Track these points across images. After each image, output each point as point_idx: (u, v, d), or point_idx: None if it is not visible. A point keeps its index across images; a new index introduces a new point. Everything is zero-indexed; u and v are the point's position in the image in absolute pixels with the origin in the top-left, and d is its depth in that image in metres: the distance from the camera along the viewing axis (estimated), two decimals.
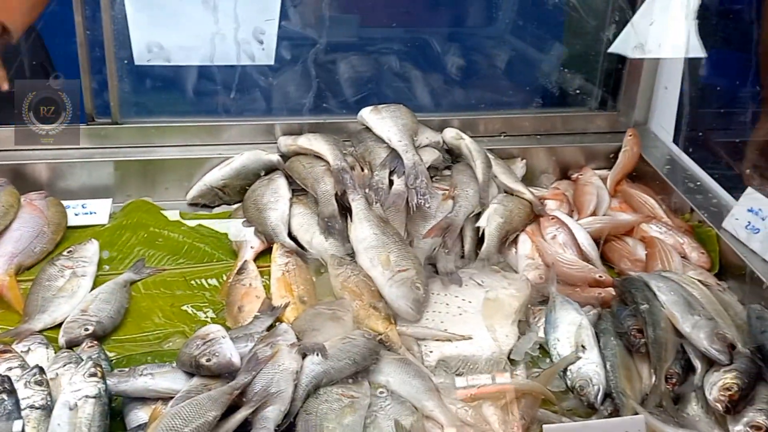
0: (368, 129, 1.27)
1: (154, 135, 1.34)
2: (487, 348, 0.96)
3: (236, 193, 1.30)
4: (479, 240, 1.17)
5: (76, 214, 1.23)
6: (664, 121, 1.43)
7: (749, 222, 1.12)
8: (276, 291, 1.05)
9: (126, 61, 1.28)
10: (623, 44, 1.19)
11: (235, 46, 1.21)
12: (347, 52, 1.47)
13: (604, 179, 1.37)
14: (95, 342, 0.94)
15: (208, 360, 0.84)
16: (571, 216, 1.27)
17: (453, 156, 1.32)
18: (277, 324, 0.97)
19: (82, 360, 0.88)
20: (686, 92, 1.27)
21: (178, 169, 1.32)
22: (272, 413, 0.78)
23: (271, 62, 1.29)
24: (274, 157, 1.31)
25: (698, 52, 1.10)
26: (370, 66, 1.48)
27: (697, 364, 0.92)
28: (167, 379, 0.85)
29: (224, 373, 0.84)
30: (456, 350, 0.96)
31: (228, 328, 0.94)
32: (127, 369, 0.87)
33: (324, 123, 1.36)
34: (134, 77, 1.33)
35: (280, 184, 1.25)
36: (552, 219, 1.22)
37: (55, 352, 0.93)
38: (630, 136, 1.42)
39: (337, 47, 1.44)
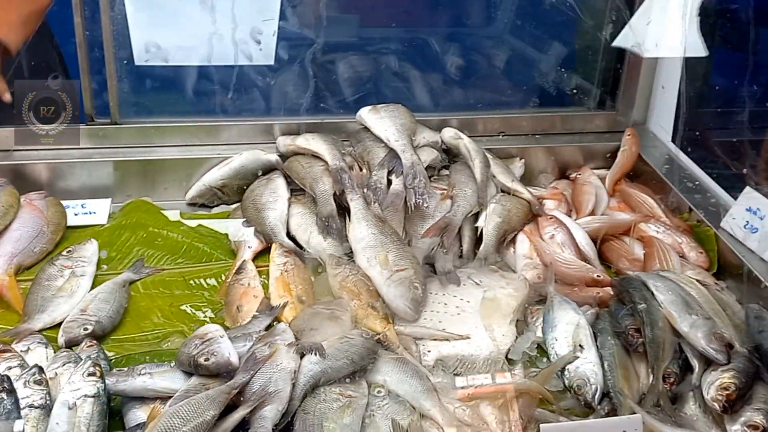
0: (367, 129, 1.28)
1: (153, 135, 1.35)
2: (485, 347, 0.97)
3: (235, 192, 1.31)
4: (477, 240, 1.17)
5: (76, 214, 1.24)
6: (662, 120, 1.43)
7: (747, 221, 1.12)
8: (274, 291, 1.05)
9: (125, 62, 1.29)
10: (623, 42, 1.19)
11: (232, 47, 1.21)
12: (346, 51, 1.47)
13: (602, 179, 1.38)
14: (94, 341, 0.94)
15: (207, 359, 0.84)
16: (570, 215, 1.27)
17: (451, 156, 1.32)
18: (275, 323, 0.97)
19: (81, 359, 0.88)
20: (685, 92, 1.27)
21: (177, 169, 1.33)
22: (270, 413, 0.78)
23: (271, 62, 1.29)
24: (273, 157, 1.31)
25: (699, 51, 1.10)
26: (369, 66, 1.49)
27: (695, 364, 0.92)
28: (166, 379, 0.86)
29: (222, 372, 0.84)
30: (454, 350, 0.96)
31: (226, 328, 0.94)
32: (125, 368, 0.87)
33: (322, 123, 1.36)
34: (134, 77, 1.33)
35: (279, 184, 1.25)
36: (550, 218, 1.23)
37: (55, 352, 0.93)
38: (628, 135, 1.42)
39: (335, 47, 1.45)
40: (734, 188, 1.20)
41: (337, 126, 1.35)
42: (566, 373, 0.92)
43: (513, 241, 1.20)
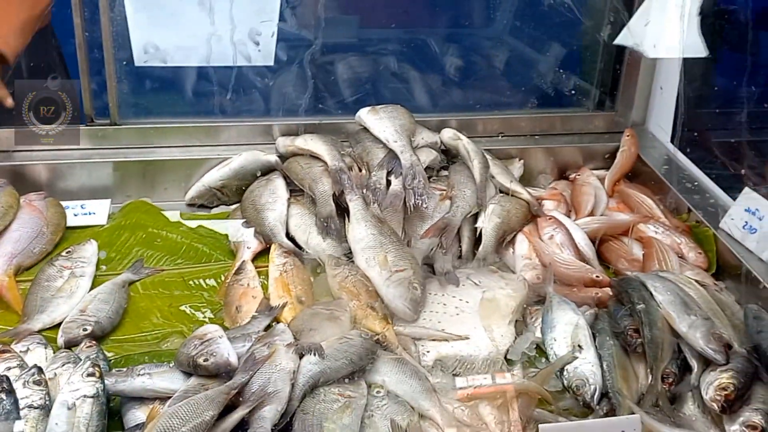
0: (366, 129, 1.28)
1: (153, 136, 1.35)
2: (484, 348, 0.97)
3: (234, 193, 1.31)
4: (476, 240, 1.17)
5: (75, 215, 1.24)
6: (661, 121, 1.43)
7: (746, 222, 1.13)
8: (274, 291, 1.05)
9: (125, 63, 1.29)
10: (623, 41, 1.19)
11: (231, 47, 1.21)
12: (345, 52, 1.47)
13: (601, 179, 1.38)
14: (93, 342, 0.94)
15: (206, 360, 0.84)
16: (569, 216, 1.27)
17: (451, 156, 1.33)
18: (274, 324, 0.97)
19: (81, 360, 0.88)
20: (684, 93, 1.27)
21: (176, 169, 1.33)
22: (269, 413, 0.78)
23: (270, 63, 1.30)
24: (272, 158, 1.31)
25: (699, 52, 1.10)
26: (368, 67, 1.49)
27: (694, 364, 0.92)
28: (165, 379, 0.86)
29: (222, 372, 0.84)
30: (453, 350, 0.97)
31: (226, 328, 0.95)
32: (124, 369, 0.87)
33: (322, 124, 1.37)
34: (133, 78, 1.33)
35: (278, 184, 1.25)
36: (549, 219, 1.23)
37: (54, 352, 0.93)
38: (628, 136, 1.42)
39: (335, 48, 1.45)
40: (733, 189, 1.20)
41: (337, 127, 1.36)
42: (565, 373, 0.93)
43: (512, 241, 1.20)
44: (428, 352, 0.97)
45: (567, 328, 0.98)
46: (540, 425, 0.77)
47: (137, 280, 1.10)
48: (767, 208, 1.09)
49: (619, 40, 1.21)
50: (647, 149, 1.42)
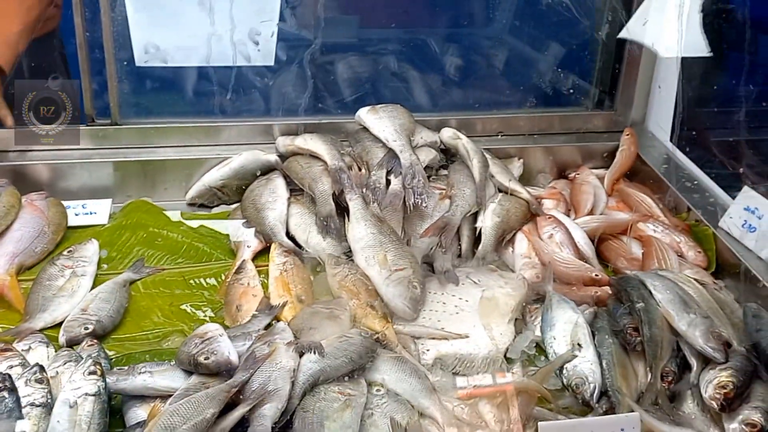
0: (366, 129, 1.28)
1: (153, 136, 1.35)
2: (483, 346, 0.97)
3: (235, 193, 1.31)
4: (476, 239, 1.18)
5: (77, 215, 1.24)
6: (661, 120, 1.43)
7: (745, 221, 1.13)
8: (274, 290, 1.06)
9: (125, 63, 1.29)
10: (626, 35, 1.18)
11: (231, 47, 1.22)
12: (345, 52, 1.48)
13: (601, 178, 1.38)
14: (95, 341, 0.95)
15: (207, 358, 0.85)
16: (568, 215, 1.27)
17: (450, 156, 1.33)
18: (274, 322, 0.98)
19: (82, 358, 0.89)
20: (683, 92, 1.27)
21: (177, 169, 1.33)
22: (270, 411, 0.78)
23: (270, 63, 1.30)
24: (272, 158, 1.32)
25: (701, 51, 1.10)
26: (368, 66, 1.49)
27: (693, 363, 0.92)
28: (166, 378, 0.86)
29: (222, 371, 0.85)
30: (453, 349, 0.97)
31: (226, 327, 0.95)
32: (126, 367, 0.88)
33: (321, 123, 1.37)
34: (134, 78, 1.34)
35: (278, 184, 1.26)
36: (549, 218, 1.23)
37: (56, 351, 0.94)
38: (627, 135, 1.42)
39: (334, 48, 1.45)
40: (732, 188, 1.20)
41: (336, 126, 1.36)
42: (565, 371, 0.93)
43: (511, 240, 1.20)
44: (428, 350, 0.97)
45: (566, 327, 0.98)
46: (539, 423, 0.77)
47: (138, 280, 1.11)
48: (766, 206, 1.09)
49: (627, 32, 1.19)
50: (646, 148, 1.42)
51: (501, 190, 1.26)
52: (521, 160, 1.40)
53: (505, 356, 0.97)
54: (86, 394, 0.81)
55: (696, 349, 0.92)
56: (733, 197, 1.18)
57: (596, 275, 1.11)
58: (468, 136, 1.30)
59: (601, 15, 1.42)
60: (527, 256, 1.17)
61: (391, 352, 0.94)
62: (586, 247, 1.18)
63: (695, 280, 1.05)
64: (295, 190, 1.25)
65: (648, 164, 1.38)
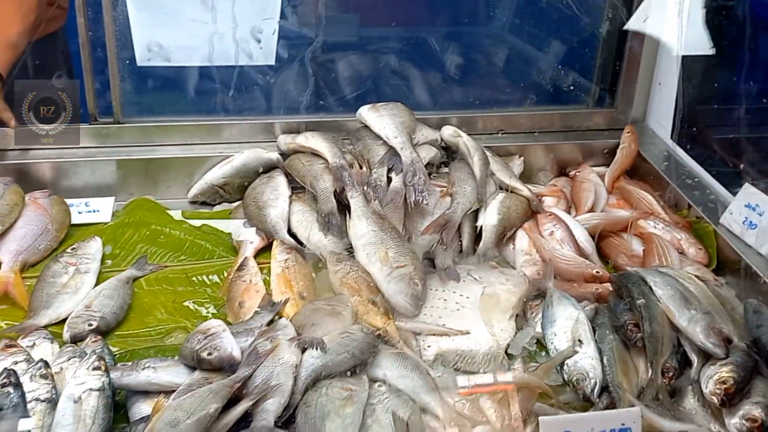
0: (366, 127, 1.28)
1: (155, 134, 1.36)
2: (484, 342, 0.97)
3: (236, 190, 1.32)
4: (477, 236, 1.18)
5: (80, 213, 1.25)
6: (661, 117, 1.44)
7: (746, 217, 1.13)
8: (276, 287, 1.06)
9: (128, 62, 1.30)
10: (632, 25, 1.18)
11: (233, 45, 1.22)
12: (346, 51, 1.48)
13: (601, 176, 1.38)
14: (99, 337, 0.95)
15: (210, 354, 0.85)
16: (569, 213, 1.27)
17: (451, 153, 1.33)
18: (276, 319, 0.98)
19: (86, 354, 0.89)
20: (683, 89, 1.27)
21: (179, 167, 1.34)
22: (272, 405, 0.79)
23: (271, 62, 1.30)
24: (274, 156, 1.32)
25: (705, 49, 1.10)
26: (369, 65, 1.49)
27: (694, 358, 0.92)
28: (169, 373, 0.87)
29: (225, 366, 0.85)
30: (454, 345, 0.97)
31: (229, 324, 0.95)
32: (129, 363, 0.88)
33: (323, 121, 1.37)
34: (136, 77, 1.34)
35: (280, 181, 1.26)
36: (549, 215, 1.23)
37: (60, 347, 0.94)
38: (628, 133, 1.43)
39: (335, 46, 1.45)
40: (733, 185, 1.21)
41: (337, 124, 1.36)
42: (565, 367, 0.93)
43: (512, 237, 1.20)
44: (429, 346, 0.98)
45: (567, 323, 0.99)
46: (540, 418, 0.77)
47: (141, 277, 1.11)
48: (767, 203, 1.09)
49: (632, 23, 1.19)
50: (647, 146, 1.42)
51: (502, 187, 1.26)
52: (522, 158, 1.40)
53: (506, 352, 0.97)
54: (91, 389, 0.82)
55: (696, 345, 0.92)
56: (734, 194, 1.18)
57: (597, 272, 1.11)
58: (469, 134, 1.31)
59: (601, 12, 1.42)
60: (528, 253, 1.17)
61: (392, 348, 0.94)
62: (587, 244, 1.18)
63: (696, 276, 1.05)
64: (296, 187, 1.26)
65: (648, 161, 1.38)
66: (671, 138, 1.41)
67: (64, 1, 1.40)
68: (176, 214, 1.27)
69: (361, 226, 1.10)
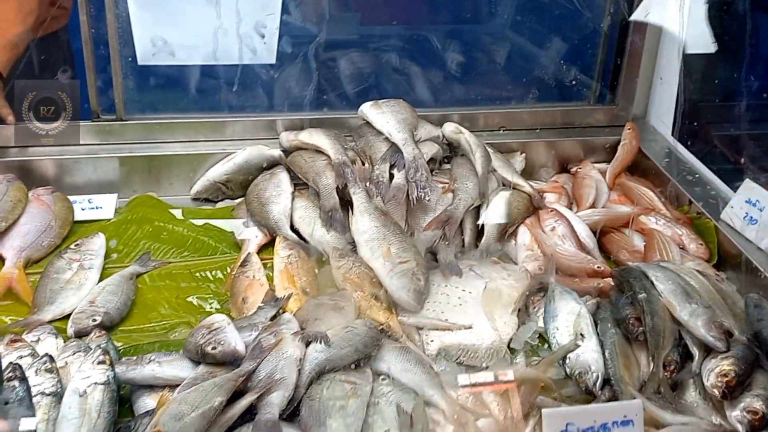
0: (368, 124, 1.29)
1: (158, 131, 1.36)
2: (487, 337, 0.98)
3: (239, 187, 1.32)
4: (479, 232, 1.19)
5: (83, 209, 1.25)
6: (662, 114, 1.44)
7: (747, 213, 1.13)
8: (279, 283, 1.07)
9: (130, 59, 1.30)
10: (638, 16, 1.18)
11: (237, 41, 1.22)
12: (348, 48, 1.48)
13: (603, 172, 1.38)
14: (103, 332, 0.96)
15: (214, 348, 0.86)
16: (570, 209, 1.28)
17: (453, 150, 1.34)
18: (280, 313, 0.99)
19: (91, 349, 0.90)
20: (684, 86, 1.28)
21: (181, 164, 1.34)
22: (277, 399, 0.79)
23: (273, 60, 1.31)
24: (276, 152, 1.33)
25: (707, 47, 1.11)
26: (371, 62, 1.50)
27: (695, 352, 0.93)
28: (174, 367, 0.87)
29: (229, 361, 0.86)
30: (456, 339, 0.98)
31: (233, 319, 0.96)
32: (134, 357, 0.89)
33: (325, 118, 1.38)
34: (138, 74, 1.35)
35: (282, 178, 1.27)
36: (551, 211, 1.24)
37: (64, 342, 0.95)
38: (629, 129, 1.43)
39: (337, 44, 1.46)
40: (734, 180, 1.21)
41: (340, 121, 1.37)
42: (568, 361, 0.94)
43: (514, 233, 1.21)
44: (432, 341, 0.98)
45: (569, 317, 0.99)
46: (543, 410, 0.78)
47: (145, 273, 1.12)
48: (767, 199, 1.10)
49: (638, 13, 1.20)
50: (648, 142, 1.42)
51: (504, 184, 1.27)
52: (523, 155, 1.41)
53: (508, 347, 0.98)
54: (96, 383, 0.82)
55: (698, 339, 0.93)
56: (735, 190, 1.18)
57: (598, 267, 1.12)
58: (470, 131, 1.31)
59: (602, 9, 1.42)
60: (530, 249, 1.17)
61: (395, 343, 0.94)
62: (588, 239, 1.18)
63: (697, 271, 1.06)
64: (299, 184, 1.26)
65: (649, 158, 1.39)
66: (672, 135, 1.41)
67: (66, 1, 1.40)
68: (178, 213, 1.27)
69: (363, 222, 1.10)
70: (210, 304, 1.06)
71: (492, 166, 1.27)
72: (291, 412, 0.81)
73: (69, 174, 1.30)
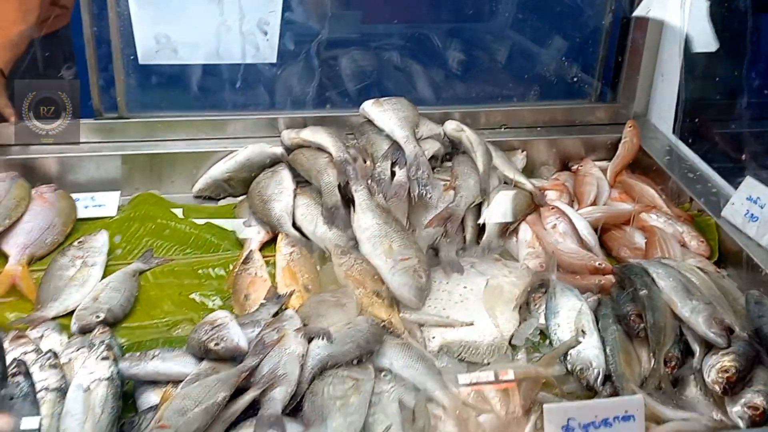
0: (370, 122, 1.29)
1: (160, 129, 1.37)
2: (488, 333, 0.98)
3: (241, 185, 1.32)
4: (480, 230, 1.19)
5: (86, 207, 1.26)
6: (663, 112, 1.44)
7: (747, 210, 1.14)
8: (281, 280, 1.07)
9: (132, 57, 1.31)
10: (641, 11, 1.18)
11: (240, 38, 1.23)
12: (349, 46, 1.49)
13: (604, 170, 1.38)
14: (107, 328, 0.96)
15: (217, 344, 0.86)
16: (572, 206, 1.28)
17: (454, 148, 1.34)
18: (282, 309, 0.99)
19: (95, 345, 0.90)
20: (685, 84, 1.28)
21: (183, 162, 1.34)
22: (280, 394, 0.80)
23: (274, 59, 1.31)
24: (278, 150, 1.33)
25: (709, 45, 1.11)
26: (372, 60, 1.50)
27: (696, 348, 0.93)
28: (177, 363, 0.87)
29: (232, 356, 0.86)
30: (458, 336, 0.98)
31: (235, 316, 0.96)
32: (138, 353, 0.89)
33: (326, 116, 1.38)
34: (140, 73, 1.35)
35: (284, 176, 1.27)
36: (552, 209, 1.24)
37: (68, 338, 0.95)
38: (630, 127, 1.43)
39: (339, 42, 1.46)
40: (735, 178, 1.21)
41: (341, 119, 1.37)
42: (569, 357, 0.94)
43: (515, 231, 1.21)
44: (433, 338, 0.99)
45: (570, 314, 0.99)
46: (544, 405, 0.78)
47: (147, 270, 1.12)
48: None
49: (641, 9, 1.20)
50: (649, 140, 1.43)
51: (505, 181, 1.27)
52: (524, 153, 1.41)
53: (509, 343, 0.98)
54: (100, 378, 0.83)
55: (699, 335, 0.93)
56: (736, 187, 1.18)
57: (600, 264, 1.12)
58: (471, 129, 1.31)
59: (603, 7, 1.42)
60: (531, 246, 1.18)
61: (397, 339, 0.95)
62: (589, 236, 1.19)
63: (698, 268, 1.06)
64: (301, 181, 1.26)
65: (650, 156, 1.39)
66: (673, 132, 1.41)
67: (67, 1, 1.40)
68: (179, 212, 1.27)
69: (365, 219, 1.11)
70: (212, 301, 1.07)
71: (493, 163, 1.27)
72: (294, 408, 0.82)
73: (72, 172, 1.31)
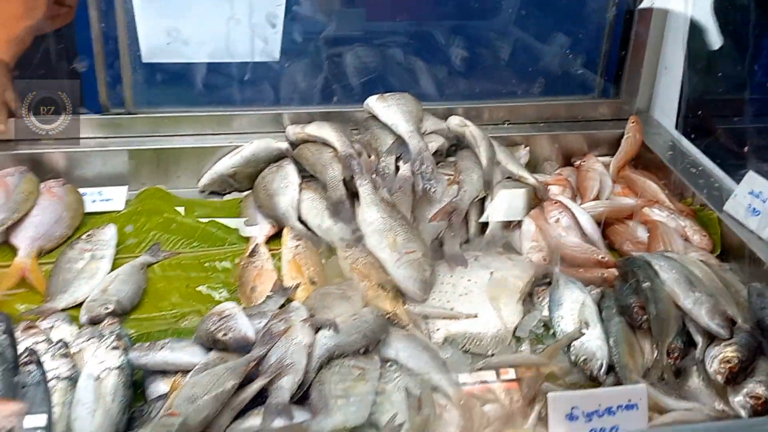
0: (374, 117, 1.30)
1: (166, 125, 1.38)
2: (492, 325, 0.99)
3: (246, 180, 1.33)
4: (484, 224, 1.20)
5: (93, 201, 1.27)
6: (666, 107, 1.45)
7: (750, 204, 1.14)
8: (287, 273, 1.08)
9: (139, 54, 1.32)
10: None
11: (249, 31, 1.23)
12: (354, 43, 1.49)
13: (606, 166, 1.39)
14: (116, 319, 0.97)
15: (225, 335, 0.87)
16: (574, 201, 1.29)
17: (458, 143, 1.35)
18: (288, 301, 1.00)
19: (104, 336, 0.91)
20: (688, 79, 1.28)
21: (189, 157, 1.35)
22: (287, 383, 0.81)
23: (276, 58, 1.31)
24: (283, 145, 1.34)
25: (713, 44, 1.11)
26: (377, 56, 1.51)
27: (699, 339, 0.94)
28: (186, 353, 0.89)
29: (240, 347, 0.87)
30: (462, 327, 0.99)
31: (243, 308, 0.97)
32: (147, 343, 0.91)
33: (331, 112, 1.39)
34: (147, 69, 1.36)
35: (290, 170, 1.28)
36: (555, 203, 1.24)
37: (78, 329, 0.97)
38: (632, 123, 1.44)
39: (344, 39, 1.47)
40: (737, 173, 1.22)
41: (346, 115, 1.38)
42: (572, 348, 0.95)
43: (518, 225, 1.22)
44: (438, 329, 1.00)
45: (574, 306, 1.00)
46: (549, 394, 0.79)
47: (155, 263, 1.13)
48: None
49: (641, 6, 1.20)
50: (652, 136, 1.43)
51: (508, 177, 1.28)
52: (527, 148, 1.42)
53: (513, 335, 0.99)
54: (110, 368, 0.84)
55: (701, 327, 0.94)
56: (738, 182, 1.19)
57: (603, 257, 1.13)
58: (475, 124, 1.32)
59: (606, 2, 1.43)
60: (534, 240, 1.18)
61: (402, 331, 0.96)
62: (592, 230, 1.19)
63: (701, 261, 1.07)
64: (306, 176, 1.27)
65: (653, 151, 1.39)
66: (675, 128, 1.42)
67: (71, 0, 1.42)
68: (182, 210, 1.27)
69: (370, 213, 1.12)
70: (219, 293, 1.08)
71: (497, 158, 1.28)
72: (301, 396, 0.83)
73: (79, 167, 1.32)
